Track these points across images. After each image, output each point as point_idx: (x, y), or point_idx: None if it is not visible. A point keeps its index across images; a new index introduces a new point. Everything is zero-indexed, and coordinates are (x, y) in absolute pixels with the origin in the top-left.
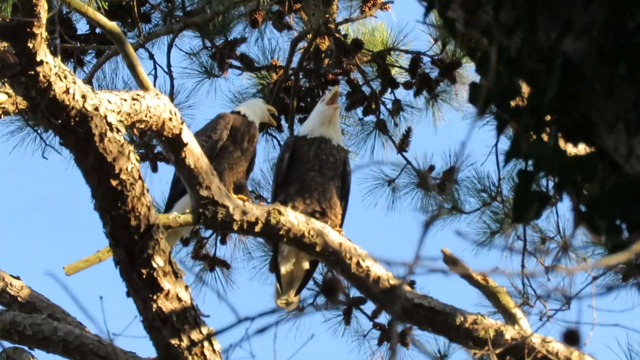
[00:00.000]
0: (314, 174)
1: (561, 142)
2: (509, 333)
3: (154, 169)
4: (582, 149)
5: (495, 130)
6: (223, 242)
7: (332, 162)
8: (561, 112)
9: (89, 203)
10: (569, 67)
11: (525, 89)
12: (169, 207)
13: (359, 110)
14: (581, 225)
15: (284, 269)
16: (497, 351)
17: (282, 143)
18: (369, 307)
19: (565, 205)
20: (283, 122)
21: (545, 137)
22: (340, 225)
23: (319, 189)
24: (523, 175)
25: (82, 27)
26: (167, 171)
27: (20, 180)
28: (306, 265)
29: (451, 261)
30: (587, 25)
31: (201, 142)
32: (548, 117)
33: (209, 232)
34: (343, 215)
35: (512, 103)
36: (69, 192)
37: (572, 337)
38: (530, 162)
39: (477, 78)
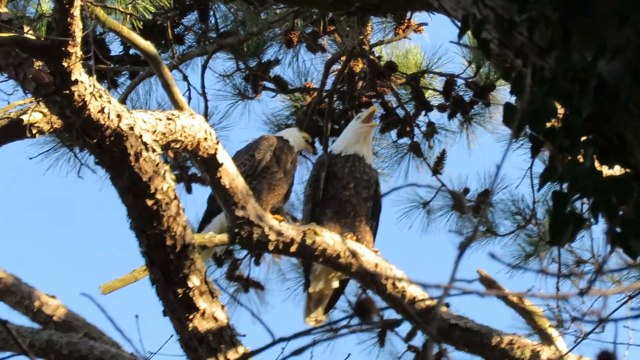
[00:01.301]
0: (349, 195)
1: (596, 164)
2: (545, 353)
3: (189, 190)
4: (617, 170)
5: (530, 151)
6: (257, 263)
7: (366, 181)
8: (596, 133)
9: (125, 222)
10: (604, 88)
11: (560, 110)
12: (203, 225)
13: (393, 133)
14: (616, 247)
15: (314, 287)
16: None
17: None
18: (404, 329)
19: (600, 227)
20: (317, 144)
21: (580, 159)
22: (373, 244)
23: (354, 212)
24: (558, 197)
25: (115, 49)
26: (201, 192)
27: (57, 198)
28: (336, 284)
29: (487, 282)
30: (621, 47)
31: (243, 160)
32: (583, 138)
33: (243, 252)
34: (374, 235)
35: (547, 124)
36: (107, 211)
37: (606, 358)
38: (565, 184)
39: (511, 100)
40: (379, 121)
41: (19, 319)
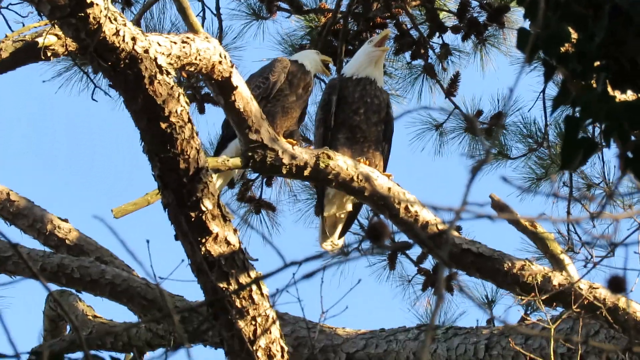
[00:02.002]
0: (359, 120)
1: (609, 89)
2: (557, 279)
3: (201, 110)
4: (630, 95)
5: (543, 76)
6: (269, 184)
7: (377, 105)
8: (609, 58)
9: (138, 145)
10: (618, 13)
11: (573, 35)
12: (219, 151)
13: (407, 54)
14: (627, 172)
15: (328, 211)
16: (544, 297)
17: None
18: (414, 252)
19: (611, 152)
20: (331, 65)
21: (593, 84)
22: (384, 168)
23: (363, 138)
24: (570, 122)
25: None
26: (214, 113)
27: (65, 120)
28: (350, 207)
29: (499, 207)
30: None
31: (258, 83)
32: (596, 64)
33: (255, 174)
34: (387, 159)
35: (561, 49)
36: (118, 133)
37: (617, 284)
38: (577, 109)
39: (525, 23)
40: (393, 43)
41: (30, 243)
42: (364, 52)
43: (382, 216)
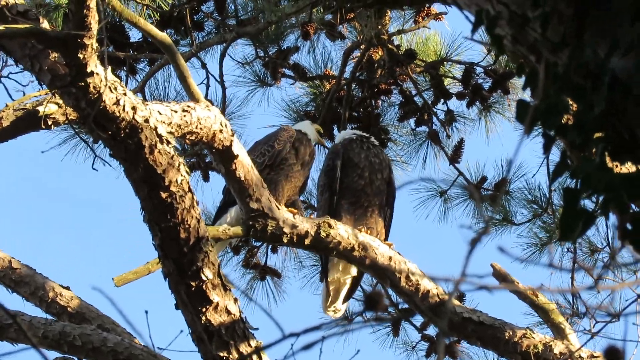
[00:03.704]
0: (363, 184)
1: (608, 160)
2: (558, 348)
3: (206, 177)
4: (629, 166)
5: (542, 147)
6: (274, 251)
7: (378, 164)
8: (608, 129)
9: (138, 214)
10: (616, 84)
11: (573, 105)
12: (219, 215)
13: (412, 121)
14: (626, 244)
15: (332, 276)
16: None
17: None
18: (418, 319)
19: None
20: (335, 131)
21: (592, 155)
22: (387, 234)
23: (367, 202)
24: (569, 194)
25: (134, 35)
26: (218, 180)
27: (69, 189)
28: (354, 272)
29: (500, 276)
30: (634, 43)
31: (262, 151)
32: (595, 135)
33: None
34: (389, 225)
35: (560, 120)
36: (120, 202)
37: (613, 354)
38: (577, 180)
39: (526, 93)
40: (397, 109)
41: (32, 310)
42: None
43: (381, 286)
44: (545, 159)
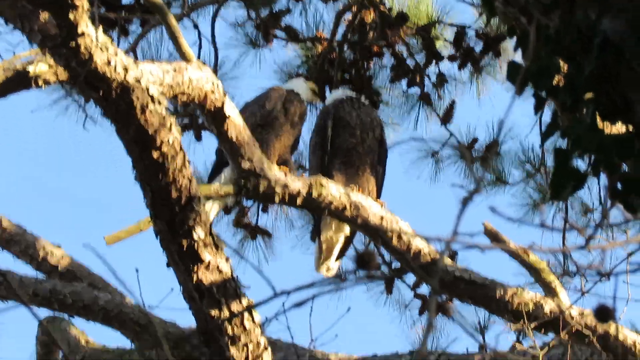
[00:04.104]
0: (355, 142)
1: (599, 121)
2: (548, 306)
3: (198, 137)
4: (619, 127)
5: (533, 108)
6: (265, 210)
7: (370, 122)
8: (599, 91)
9: (130, 173)
10: (607, 46)
11: (564, 68)
12: (213, 176)
13: (404, 83)
14: (616, 203)
15: (324, 235)
16: (534, 325)
17: None
18: (411, 277)
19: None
20: (327, 93)
21: (583, 116)
22: (379, 193)
23: (359, 161)
24: (560, 154)
25: None
26: (211, 140)
27: (60, 149)
28: (347, 231)
29: (492, 235)
30: (626, 5)
31: (253, 111)
32: (586, 96)
33: (251, 201)
34: (381, 183)
35: (551, 81)
36: (111, 161)
37: (603, 313)
38: (568, 140)
39: (517, 54)
40: (389, 71)
41: (23, 269)
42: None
43: (373, 245)
44: (538, 120)
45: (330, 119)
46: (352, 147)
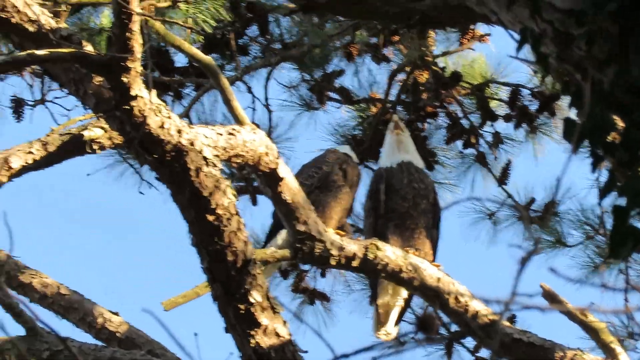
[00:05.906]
0: (408, 206)
1: None
2: None
3: (254, 201)
4: None
5: (590, 165)
6: (323, 275)
7: (424, 189)
8: None
9: (186, 238)
10: None
11: (619, 124)
12: (268, 240)
13: (459, 143)
14: None
15: (382, 300)
16: None
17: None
18: (471, 341)
19: None
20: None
21: None
22: (434, 256)
23: (413, 224)
24: (618, 212)
25: (180, 60)
26: (267, 203)
27: (120, 213)
28: (404, 295)
29: (550, 296)
30: None
31: (311, 173)
32: None
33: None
34: (436, 246)
35: (607, 138)
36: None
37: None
38: (625, 198)
39: (572, 113)
40: (445, 132)
41: (82, 336)
42: (386, 143)
43: (431, 308)
44: (595, 180)
45: (383, 183)
46: (405, 211)
